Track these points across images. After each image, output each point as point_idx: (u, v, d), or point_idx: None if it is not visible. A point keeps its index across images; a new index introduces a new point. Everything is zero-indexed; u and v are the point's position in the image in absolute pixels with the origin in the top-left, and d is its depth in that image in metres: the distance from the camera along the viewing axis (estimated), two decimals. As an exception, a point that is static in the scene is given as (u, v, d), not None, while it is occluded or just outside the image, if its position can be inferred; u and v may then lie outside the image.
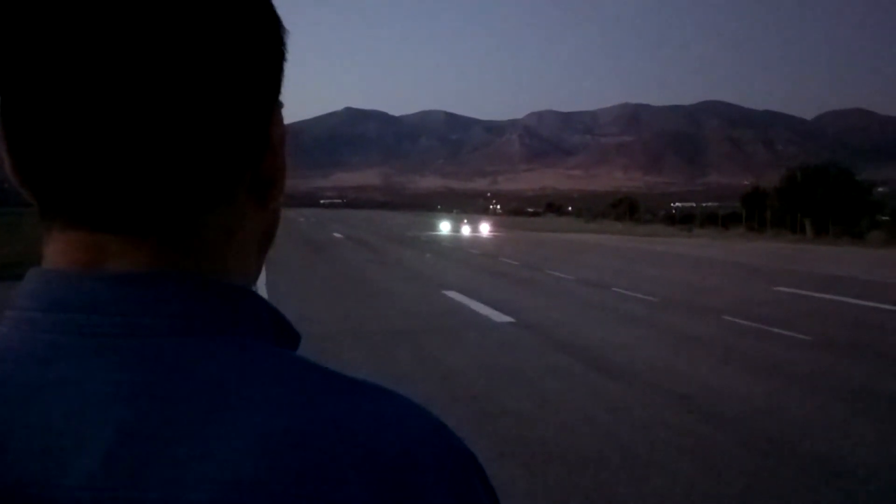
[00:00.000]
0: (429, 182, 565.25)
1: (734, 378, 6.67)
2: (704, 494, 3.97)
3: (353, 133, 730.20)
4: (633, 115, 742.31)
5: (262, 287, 12.91)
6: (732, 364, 7.29)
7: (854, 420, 5.41)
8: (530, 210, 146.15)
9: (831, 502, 3.89)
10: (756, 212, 46.65)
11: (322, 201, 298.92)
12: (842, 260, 22.91)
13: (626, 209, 78.53)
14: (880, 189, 53.93)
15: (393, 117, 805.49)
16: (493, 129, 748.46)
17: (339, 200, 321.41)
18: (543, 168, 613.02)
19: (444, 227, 44.71)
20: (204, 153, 0.41)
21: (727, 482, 4.15)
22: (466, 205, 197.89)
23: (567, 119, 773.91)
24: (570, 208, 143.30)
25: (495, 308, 10.65)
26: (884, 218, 41.29)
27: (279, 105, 0.47)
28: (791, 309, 11.38)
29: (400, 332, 8.78)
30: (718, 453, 4.64)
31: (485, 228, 44.06)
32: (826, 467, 4.41)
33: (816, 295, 13.14)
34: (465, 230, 42.11)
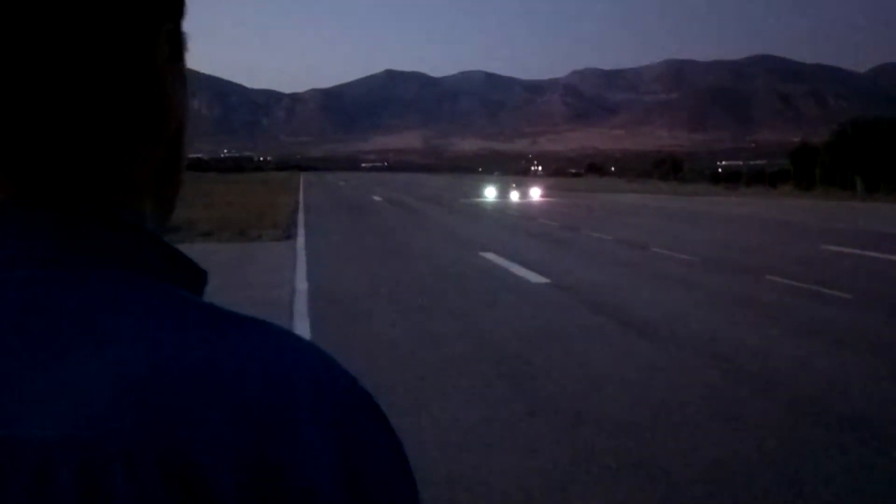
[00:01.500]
0: (469, 144, 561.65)
1: (772, 338, 6.55)
2: (736, 454, 3.93)
3: (392, 95, 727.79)
4: (678, 72, 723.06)
5: (299, 250, 13.08)
6: (771, 324, 7.15)
7: (892, 380, 5.28)
8: (572, 171, 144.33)
9: (866, 463, 3.81)
10: (805, 169, 45.30)
11: (363, 164, 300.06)
12: (892, 217, 22.18)
13: (669, 168, 77.07)
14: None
15: (432, 78, 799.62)
16: (534, 88, 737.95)
17: (380, 164, 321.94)
18: (586, 128, 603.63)
19: (490, 192, 37.47)
20: (63, 80, 0.38)
21: (760, 443, 4.10)
22: (507, 167, 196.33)
23: (610, 77, 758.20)
24: (612, 169, 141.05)
25: (532, 269, 10.61)
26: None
27: (169, 28, 0.44)
28: (835, 267, 11.09)
29: (435, 294, 8.81)
30: (752, 413, 4.58)
31: (536, 193, 37.51)
32: (862, 428, 4.32)
33: (863, 253, 12.77)
34: (514, 196, 36.17)
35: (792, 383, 5.20)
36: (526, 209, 27.33)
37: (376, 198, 37.00)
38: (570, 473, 3.68)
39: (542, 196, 36.48)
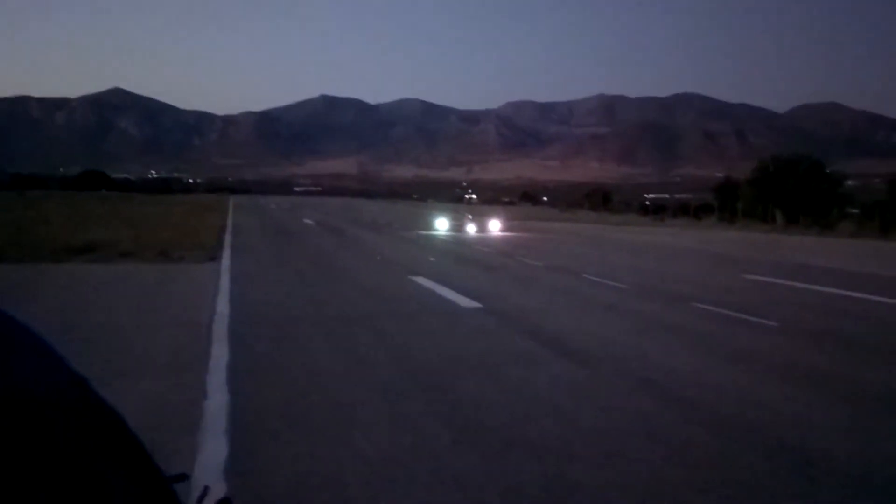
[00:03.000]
0: (404, 170, 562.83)
1: (702, 364, 6.54)
2: (668, 481, 3.80)
3: (328, 121, 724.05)
4: (609, 107, 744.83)
5: (223, 272, 12.59)
6: (700, 350, 7.16)
7: (820, 406, 5.29)
8: (505, 199, 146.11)
9: (798, 490, 3.74)
10: (728, 203, 46.98)
11: (296, 188, 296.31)
12: (811, 249, 23.06)
13: (600, 199, 78.86)
14: (850, 182, 54.29)
15: (369, 105, 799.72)
16: (470, 118, 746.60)
17: (314, 188, 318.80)
18: (519, 158, 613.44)
19: (441, 224, 31.23)
20: None
21: (693, 469, 3.98)
22: (441, 194, 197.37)
23: (543, 109, 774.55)
24: (545, 199, 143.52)
25: (463, 294, 10.45)
26: (853, 210, 41.75)
27: None
28: (760, 296, 11.33)
29: (363, 316, 8.54)
30: (684, 439, 4.48)
31: (495, 227, 31.66)
32: (793, 455, 4.27)
33: (785, 283, 13.13)
34: (470, 228, 30.40)
35: (721, 408, 5.14)
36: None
37: (307, 221, 36.39)
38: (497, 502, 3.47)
39: (501, 230, 31.27)
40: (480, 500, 3.51)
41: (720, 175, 64.35)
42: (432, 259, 16.81)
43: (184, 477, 0.56)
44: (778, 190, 41.97)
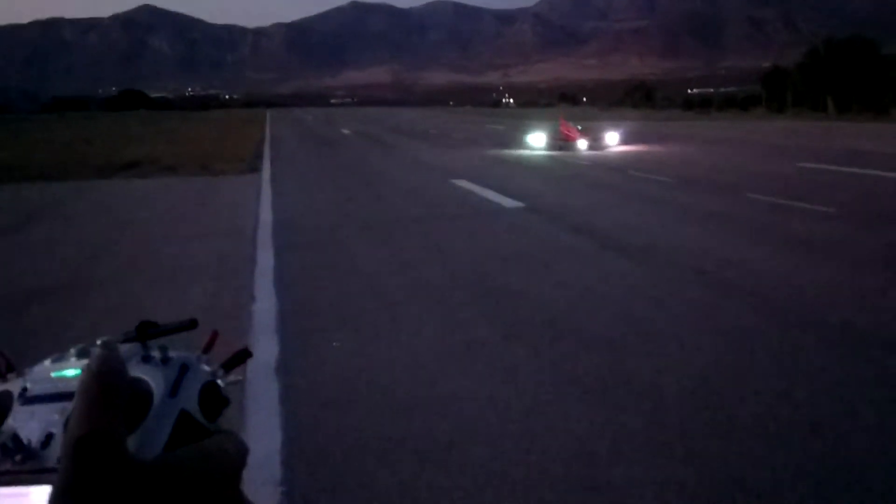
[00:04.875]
0: (439, 77, 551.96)
1: (756, 252, 6.33)
2: (725, 367, 3.71)
3: (359, 29, 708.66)
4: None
5: (265, 183, 12.59)
6: (754, 239, 6.93)
7: (876, 288, 5.10)
8: (544, 102, 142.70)
9: (857, 371, 3.62)
10: (777, 93, 44.98)
11: (332, 101, 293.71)
12: (864, 135, 22.06)
13: (642, 96, 76.32)
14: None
15: (400, 10, 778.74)
16: (504, 18, 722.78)
17: (350, 99, 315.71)
18: (557, 58, 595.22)
19: (538, 140, 19.35)
20: None
21: (749, 354, 3.88)
22: (478, 99, 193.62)
23: (580, 4, 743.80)
24: (584, 99, 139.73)
25: (505, 194, 10.27)
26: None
27: None
28: (814, 184, 10.91)
29: (408, 221, 8.46)
30: (739, 326, 4.36)
31: (613, 140, 19.61)
32: (851, 336, 4.13)
33: (839, 169, 12.61)
34: (582, 145, 18.68)
35: (778, 295, 4.99)
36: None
37: (345, 131, 36.10)
38: (551, 394, 3.43)
39: (621, 143, 19.58)
40: (534, 392, 3.47)
41: (766, 65, 61.43)
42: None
43: (194, 324, 0.50)
44: (829, 76, 39.91)
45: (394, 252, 6.69)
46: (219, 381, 0.44)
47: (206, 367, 0.44)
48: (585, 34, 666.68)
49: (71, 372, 0.41)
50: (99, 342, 0.40)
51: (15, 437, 0.38)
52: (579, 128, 19.79)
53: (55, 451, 0.37)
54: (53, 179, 13.54)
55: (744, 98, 54.60)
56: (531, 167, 15.15)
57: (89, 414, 0.33)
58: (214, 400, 0.42)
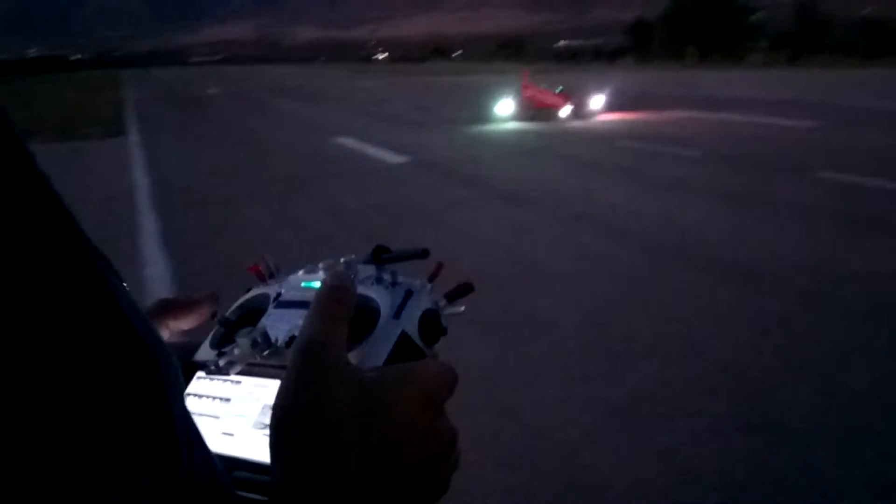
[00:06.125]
0: (308, 33, 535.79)
1: (631, 195, 6.74)
2: (611, 299, 4.00)
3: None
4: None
5: (133, 146, 11.99)
6: (629, 183, 7.37)
7: (743, 223, 5.59)
8: (417, 56, 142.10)
9: (728, 299, 4.00)
10: (643, 44, 46.98)
11: (192, 59, 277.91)
12: (723, 82, 23.56)
13: (514, 50, 77.59)
14: (760, 14, 54.68)
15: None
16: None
17: (214, 57, 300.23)
18: (427, 12, 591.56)
19: (505, 107, 14.38)
20: None
21: (634, 287, 4.20)
22: (349, 55, 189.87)
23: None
24: (458, 52, 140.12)
25: (389, 149, 10.29)
26: (762, 43, 42.51)
27: None
28: (678, 129, 11.62)
29: (293, 179, 8.34)
30: (623, 262, 4.69)
31: (598, 103, 14.60)
32: (721, 267, 4.53)
33: (701, 115, 13.46)
34: (564, 112, 13.78)
35: (657, 234, 5.37)
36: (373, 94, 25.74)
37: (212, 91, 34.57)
38: (455, 332, 3.58)
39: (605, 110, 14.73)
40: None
41: (636, 16, 63.96)
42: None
43: (426, 253, 0.49)
44: (691, 26, 42.10)
45: (283, 210, 6.61)
46: (439, 310, 0.47)
47: (430, 296, 0.46)
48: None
49: (317, 283, 0.46)
50: (342, 260, 0.46)
51: (265, 335, 0.43)
52: (559, 90, 14.76)
53: None
54: None
55: (612, 50, 56.63)
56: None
57: (316, 322, 0.37)
58: (433, 327, 0.46)
